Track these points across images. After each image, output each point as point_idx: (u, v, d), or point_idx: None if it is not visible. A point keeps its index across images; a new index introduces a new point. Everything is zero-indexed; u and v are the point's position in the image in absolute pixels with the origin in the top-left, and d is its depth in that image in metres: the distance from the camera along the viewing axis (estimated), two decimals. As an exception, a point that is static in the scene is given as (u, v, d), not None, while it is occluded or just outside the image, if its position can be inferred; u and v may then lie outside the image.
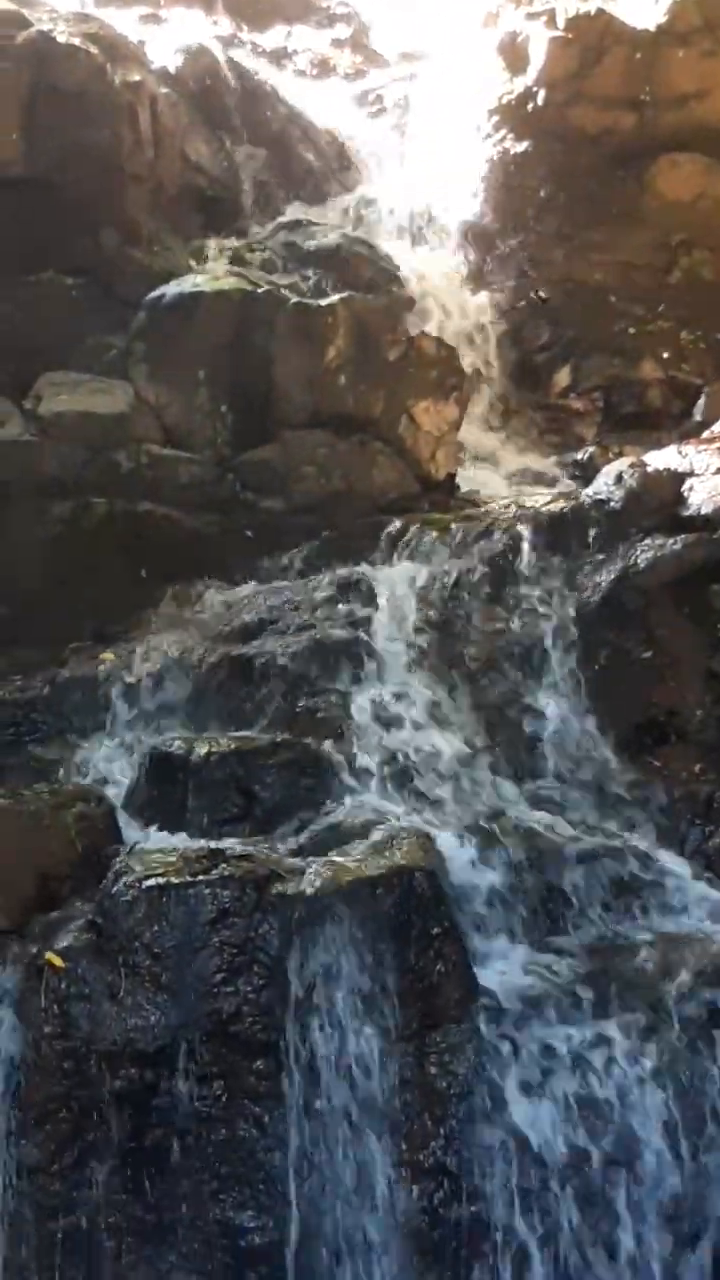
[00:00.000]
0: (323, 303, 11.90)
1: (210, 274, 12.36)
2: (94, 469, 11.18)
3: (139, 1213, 7.42)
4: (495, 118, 14.85)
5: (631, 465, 10.68)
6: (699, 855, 8.88)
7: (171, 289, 11.88)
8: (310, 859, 8.12)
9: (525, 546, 10.35)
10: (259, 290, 11.96)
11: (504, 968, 8.07)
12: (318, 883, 7.80)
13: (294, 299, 11.90)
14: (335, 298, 11.96)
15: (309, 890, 7.76)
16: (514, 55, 14.80)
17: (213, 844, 8.13)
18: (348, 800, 8.89)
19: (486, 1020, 7.76)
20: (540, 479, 12.42)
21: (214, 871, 7.79)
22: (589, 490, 10.78)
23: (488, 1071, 7.65)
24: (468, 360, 13.20)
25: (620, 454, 11.78)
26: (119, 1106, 7.47)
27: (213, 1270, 7.36)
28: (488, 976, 7.96)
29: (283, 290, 12.14)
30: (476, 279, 14.37)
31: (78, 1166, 7.46)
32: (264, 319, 11.72)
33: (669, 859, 8.78)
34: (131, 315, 11.91)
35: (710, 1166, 7.62)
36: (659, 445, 11.61)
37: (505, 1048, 7.73)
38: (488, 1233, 7.45)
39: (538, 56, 14.63)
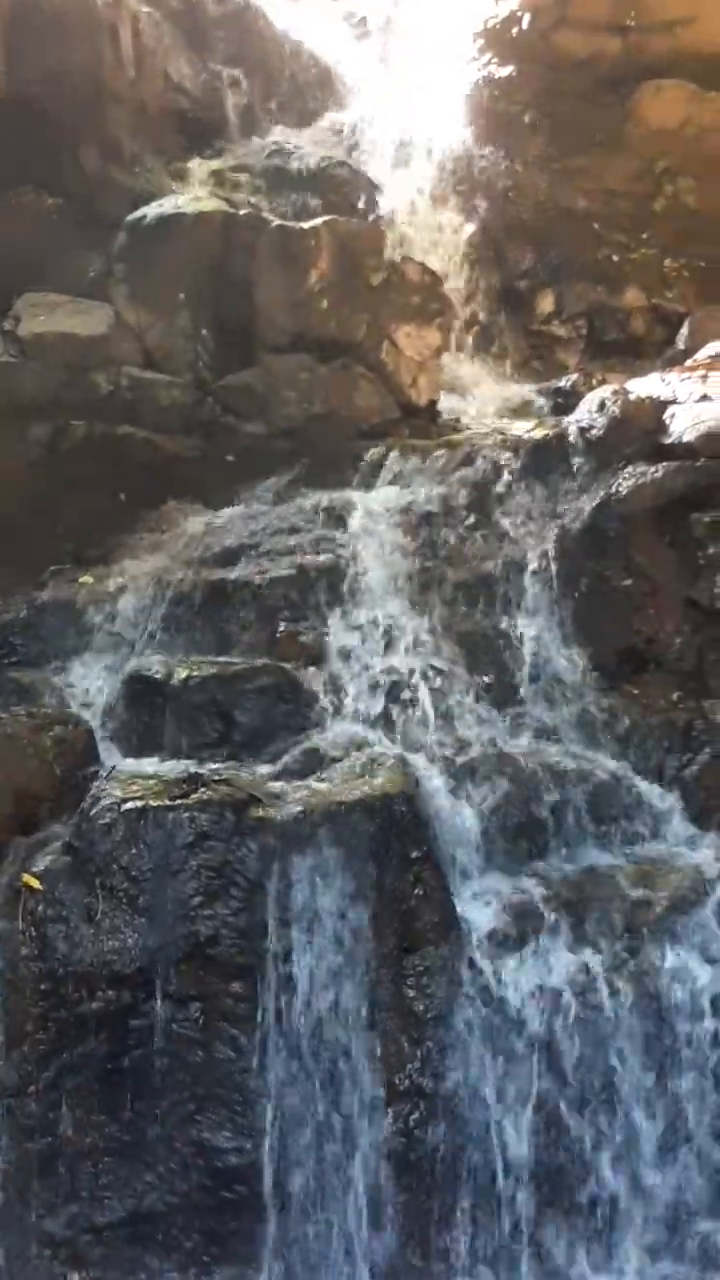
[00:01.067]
0: (305, 225, 11.81)
1: (192, 195, 12.27)
2: (73, 391, 11.11)
3: (116, 1133, 7.46)
4: (480, 41, 14.73)
5: (614, 393, 10.64)
6: (676, 783, 8.89)
7: (153, 210, 11.79)
8: (289, 784, 8.13)
9: (506, 473, 10.33)
10: (241, 212, 11.88)
11: (482, 893, 8.10)
12: (296, 807, 7.81)
13: (276, 221, 11.81)
14: (318, 220, 11.87)
15: (288, 815, 7.77)
16: (500, -23, 14.70)
17: (191, 768, 8.12)
18: (327, 725, 8.90)
19: (464, 944, 7.79)
20: (522, 406, 12.36)
21: (192, 795, 7.80)
22: (571, 418, 10.74)
23: (464, 994, 7.69)
24: (450, 286, 13.12)
25: (603, 381, 11.73)
26: (96, 1028, 7.50)
27: (189, 1190, 7.41)
28: (466, 901, 7.98)
29: (265, 213, 12.07)
30: (460, 203, 14.26)
31: (55, 1087, 7.48)
32: (245, 241, 11.63)
33: (646, 786, 8.79)
34: (112, 236, 11.81)
35: (682, 1090, 7.67)
36: (642, 373, 11.55)
37: (482, 971, 7.77)
38: (464, 1154, 7.50)
39: (523, -21, 14.52)
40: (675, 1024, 7.75)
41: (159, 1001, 7.52)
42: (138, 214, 11.77)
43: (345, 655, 9.35)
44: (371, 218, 12.89)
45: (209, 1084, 7.48)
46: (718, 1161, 7.61)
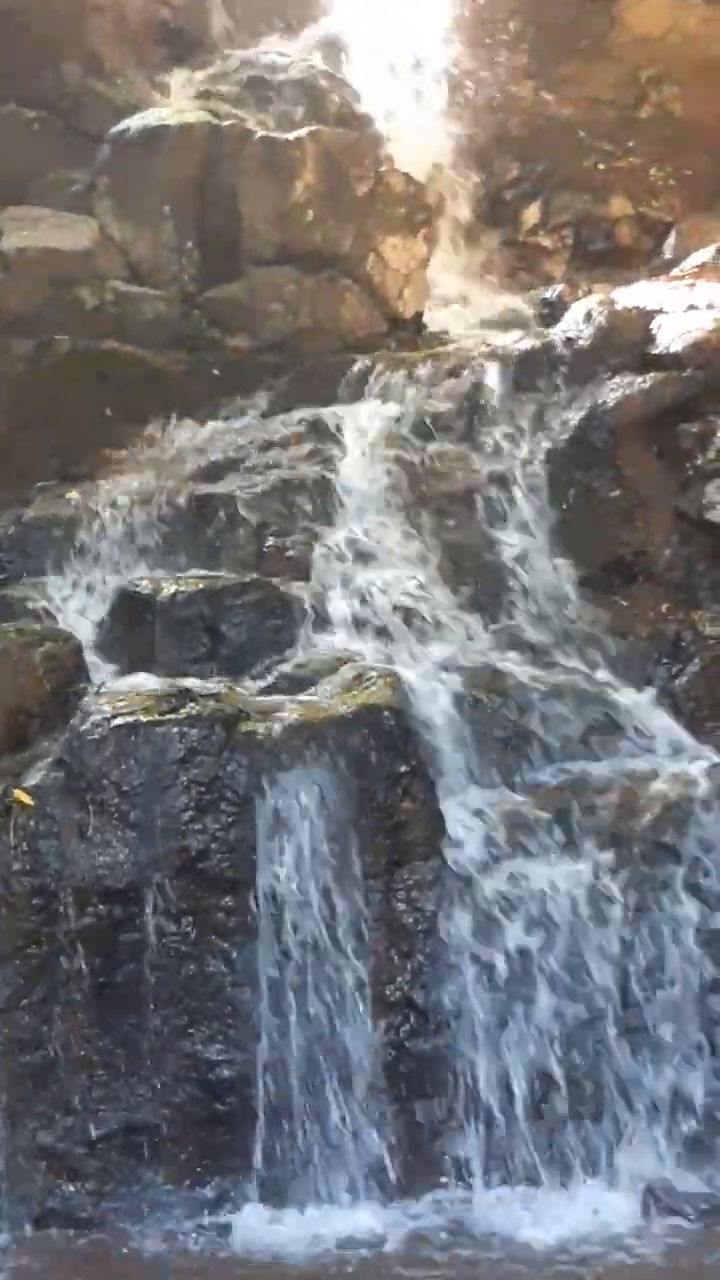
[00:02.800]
0: (290, 136, 11.72)
1: (175, 108, 12.17)
2: (57, 306, 11.05)
3: (108, 1047, 7.49)
4: (464, -51, 14.60)
5: (600, 303, 10.60)
6: (665, 694, 8.91)
7: (136, 122, 11.70)
8: (278, 698, 8.14)
9: (493, 385, 10.30)
10: (225, 124, 11.78)
11: (471, 805, 8.12)
12: (286, 722, 7.82)
13: (260, 132, 11.73)
14: (303, 131, 11.78)
15: (277, 729, 7.78)
16: None
17: (181, 683, 8.13)
18: (315, 640, 8.90)
19: (453, 857, 7.82)
20: (509, 317, 12.31)
21: (182, 710, 7.80)
22: (558, 328, 10.71)
23: (454, 907, 7.72)
24: (435, 197, 13.04)
25: (589, 292, 11.68)
26: (89, 943, 7.52)
27: (182, 1103, 7.45)
28: (455, 814, 8.00)
29: (249, 124, 11.97)
30: (446, 113, 14.16)
31: (47, 1001, 7.51)
32: (230, 153, 11.55)
33: (635, 698, 8.81)
34: (95, 149, 11.73)
35: (669, 1001, 7.72)
36: (628, 283, 11.53)
37: (472, 884, 7.80)
38: (454, 1066, 7.54)
39: None
40: (664, 934, 7.78)
41: (150, 916, 7.54)
42: (120, 127, 11.68)
43: (332, 570, 9.34)
44: (356, 128, 12.77)
45: (201, 998, 7.51)
46: (708, 1065, 7.65)
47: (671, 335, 10.10)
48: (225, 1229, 7.23)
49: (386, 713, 7.86)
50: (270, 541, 9.49)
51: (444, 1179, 7.47)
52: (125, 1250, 7.11)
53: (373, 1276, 6.80)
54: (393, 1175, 7.45)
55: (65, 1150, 7.41)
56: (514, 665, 8.77)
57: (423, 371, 10.63)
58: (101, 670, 8.74)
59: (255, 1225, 7.23)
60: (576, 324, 10.47)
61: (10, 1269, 6.87)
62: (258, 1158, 7.41)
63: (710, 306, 10.30)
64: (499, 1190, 7.43)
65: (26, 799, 7.68)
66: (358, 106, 13.25)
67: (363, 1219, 7.26)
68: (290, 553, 9.44)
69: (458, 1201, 7.36)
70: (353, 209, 11.71)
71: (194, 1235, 7.19)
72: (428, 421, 10.21)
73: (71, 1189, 7.38)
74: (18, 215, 11.42)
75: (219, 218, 11.54)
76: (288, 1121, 7.46)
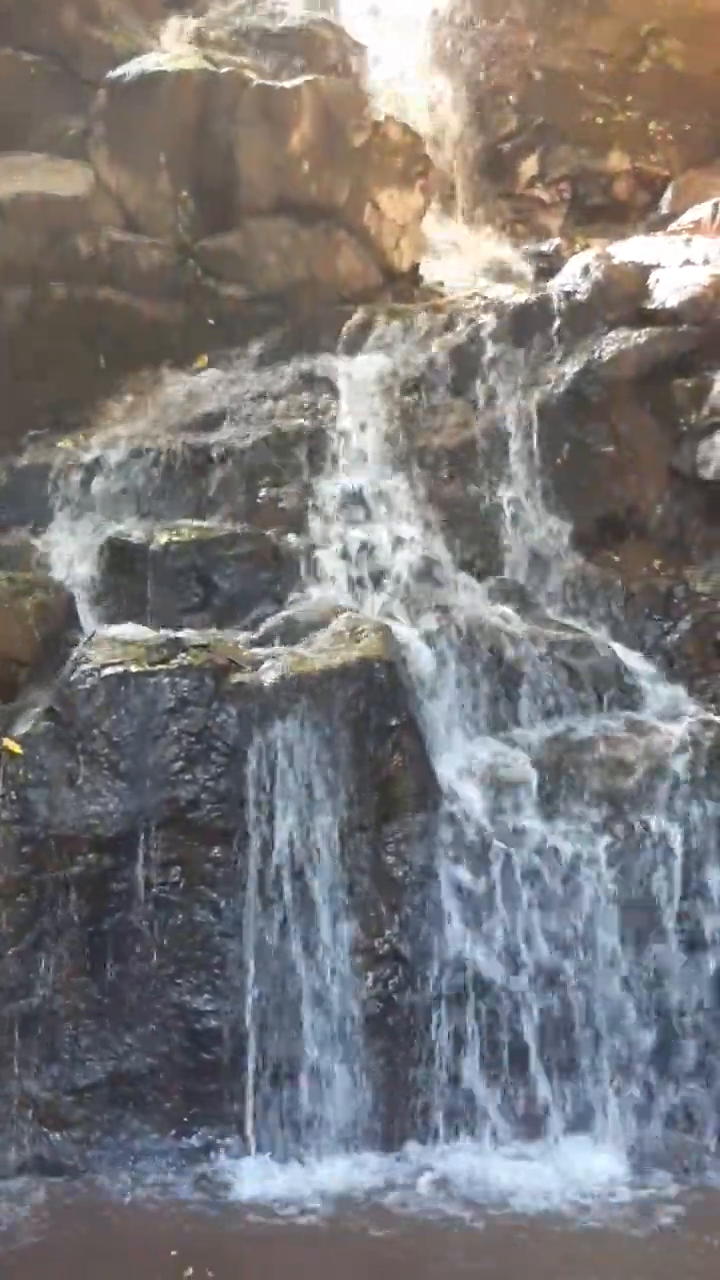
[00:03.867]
0: (287, 85, 11.63)
1: (172, 54, 12.07)
2: (53, 254, 10.97)
3: (96, 995, 7.51)
4: None
5: (597, 257, 10.57)
6: (656, 651, 8.92)
7: (132, 69, 11.59)
8: (270, 649, 8.14)
9: (489, 338, 10.25)
10: (221, 71, 11.68)
11: (461, 760, 8.12)
12: (276, 674, 7.82)
13: (257, 81, 11.62)
14: (300, 80, 11.69)
15: (268, 681, 7.78)
16: None
17: (172, 633, 8.12)
18: (308, 592, 8.89)
19: (443, 811, 7.83)
20: (505, 271, 12.26)
21: (173, 661, 7.80)
22: (554, 282, 10.67)
23: (443, 861, 7.73)
24: (433, 149, 12.97)
25: (586, 246, 11.64)
26: (77, 891, 7.53)
27: (169, 1052, 7.47)
28: (445, 768, 8.01)
29: (246, 72, 11.87)
30: (445, 65, 14.07)
31: (36, 949, 7.52)
32: (226, 101, 11.45)
33: (626, 654, 8.81)
34: (91, 96, 11.62)
35: (657, 956, 7.74)
36: (625, 237, 11.48)
37: (461, 839, 7.81)
38: (441, 1017, 7.56)
39: None
40: (651, 888, 7.80)
41: (140, 865, 7.55)
42: (117, 73, 11.57)
43: (326, 522, 9.33)
44: (354, 79, 12.69)
45: (189, 947, 7.53)
46: (693, 1024, 7.68)
47: (668, 290, 10.07)
48: (210, 1178, 7.26)
49: (378, 665, 7.86)
50: (264, 493, 9.48)
51: (428, 1131, 7.52)
52: (110, 1198, 7.13)
53: (355, 1226, 6.83)
54: (377, 1127, 7.49)
55: (52, 1099, 7.43)
56: (506, 620, 8.76)
57: (419, 324, 10.59)
58: (92, 620, 8.72)
59: (240, 1174, 7.27)
60: (573, 278, 10.43)
61: (-3, 1216, 6.91)
62: (244, 1108, 7.43)
63: (707, 262, 10.27)
64: (483, 1144, 7.47)
65: (15, 748, 7.68)
66: (356, 57, 13.16)
67: (348, 1170, 7.31)
68: (283, 504, 9.42)
69: (442, 1154, 7.40)
70: (349, 160, 11.63)
71: (179, 1184, 7.22)
72: (423, 374, 10.16)
73: (58, 1137, 7.40)
74: (13, 161, 11.32)
75: (215, 167, 11.46)
76: (274, 1072, 7.49)
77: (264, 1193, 7.12)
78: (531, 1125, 7.55)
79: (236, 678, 7.78)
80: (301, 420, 9.83)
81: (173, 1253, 6.47)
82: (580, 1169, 7.28)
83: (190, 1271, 6.27)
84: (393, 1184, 7.18)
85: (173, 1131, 7.42)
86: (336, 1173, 7.29)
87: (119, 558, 9.00)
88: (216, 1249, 6.58)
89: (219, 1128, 7.43)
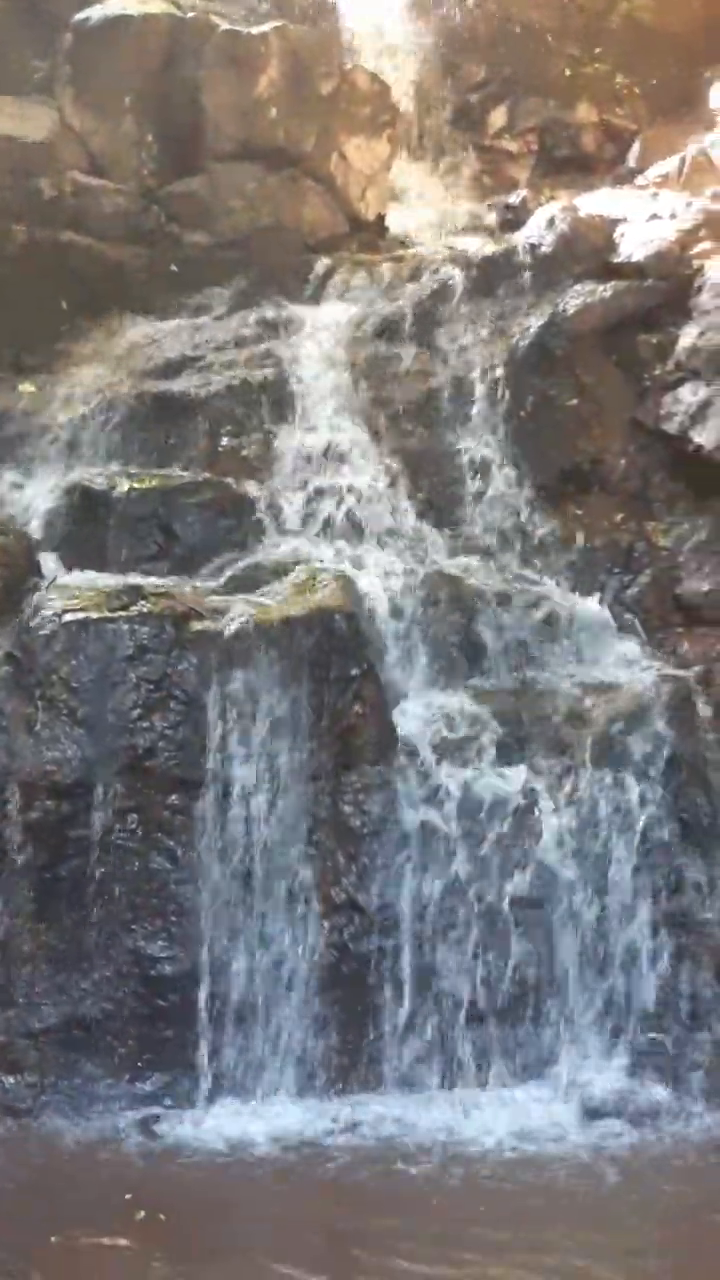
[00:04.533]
0: (254, 31, 11.56)
1: (139, -3, 12.01)
2: (15, 195, 10.89)
3: (53, 941, 7.51)
4: None
5: (564, 210, 10.55)
6: (616, 603, 8.94)
7: (98, 11, 11.50)
8: (230, 598, 8.13)
9: (454, 290, 10.23)
10: (188, 15, 11.62)
11: (421, 711, 8.13)
12: (237, 622, 7.81)
13: (224, 25, 11.56)
14: (268, 26, 11.63)
15: (228, 629, 7.77)
16: None
17: (132, 580, 8.10)
18: (269, 541, 8.88)
19: (402, 762, 7.84)
20: (471, 222, 12.21)
21: (133, 608, 7.79)
22: (520, 234, 10.64)
23: (401, 812, 7.75)
24: (401, 99, 12.91)
25: (553, 198, 11.60)
26: (35, 837, 7.53)
27: (125, 998, 7.48)
28: (405, 719, 8.02)
29: (213, 16, 11.80)
30: (416, 14, 13.99)
31: (-8, 895, 7.54)
32: (193, 46, 11.39)
33: (587, 607, 8.82)
34: (59, 37, 11.55)
35: (616, 907, 7.78)
36: (592, 190, 11.46)
37: (419, 789, 7.82)
38: (397, 965, 7.59)
39: None
40: (609, 839, 7.83)
41: (97, 812, 7.55)
42: (83, 15, 11.49)
43: (288, 471, 9.30)
44: (323, 27, 12.61)
45: (145, 894, 7.54)
46: (647, 972, 7.72)
47: (634, 244, 10.07)
48: (164, 1122, 7.28)
49: (338, 615, 7.86)
50: (226, 441, 9.45)
51: (383, 1079, 7.55)
52: (64, 1142, 7.14)
53: (306, 1170, 6.87)
54: (332, 1074, 7.52)
55: (6, 1042, 7.44)
56: (468, 571, 8.77)
57: (384, 274, 10.56)
58: (53, 566, 8.69)
59: (192, 1120, 7.30)
60: (539, 230, 10.41)
61: (-52, 1159, 6.93)
62: (198, 1054, 7.45)
63: (673, 216, 10.27)
64: (438, 1091, 7.51)
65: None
66: (324, 3, 13.08)
67: (301, 1116, 7.33)
68: (245, 453, 9.40)
69: (396, 1101, 7.43)
70: (317, 107, 11.58)
71: (133, 1128, 7.23)
72: (387, 325, 10.14)
73: (12, 1081, 7.41)
74: (-22, 103, 11.27)
75: (181, 111, 11.40)
76: (229, 1019, 7.51)
77: (217, 1137, 7.14)
78: (485, 1072, 7.58)
79: (196, 626, 7.77)
80: (265, 369, 9.79)
81: (126, 1195, 6.48)
82: (534, 1116, 7.32)
83: (142, 1214, 6.29)
84: (345, 1128, 7.21)
85: (127, 1076, 7.43)
86: (289, 1117, 7.32)
87: (80, 504, 8.96)
88: (169, 1192, 6.60)
89: (173, 1072, 7.45)
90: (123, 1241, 6.05)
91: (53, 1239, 6.06)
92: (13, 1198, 6.58)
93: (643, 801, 7.88)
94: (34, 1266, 5.74)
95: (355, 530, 9.01)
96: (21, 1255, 5.81)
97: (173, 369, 9.99)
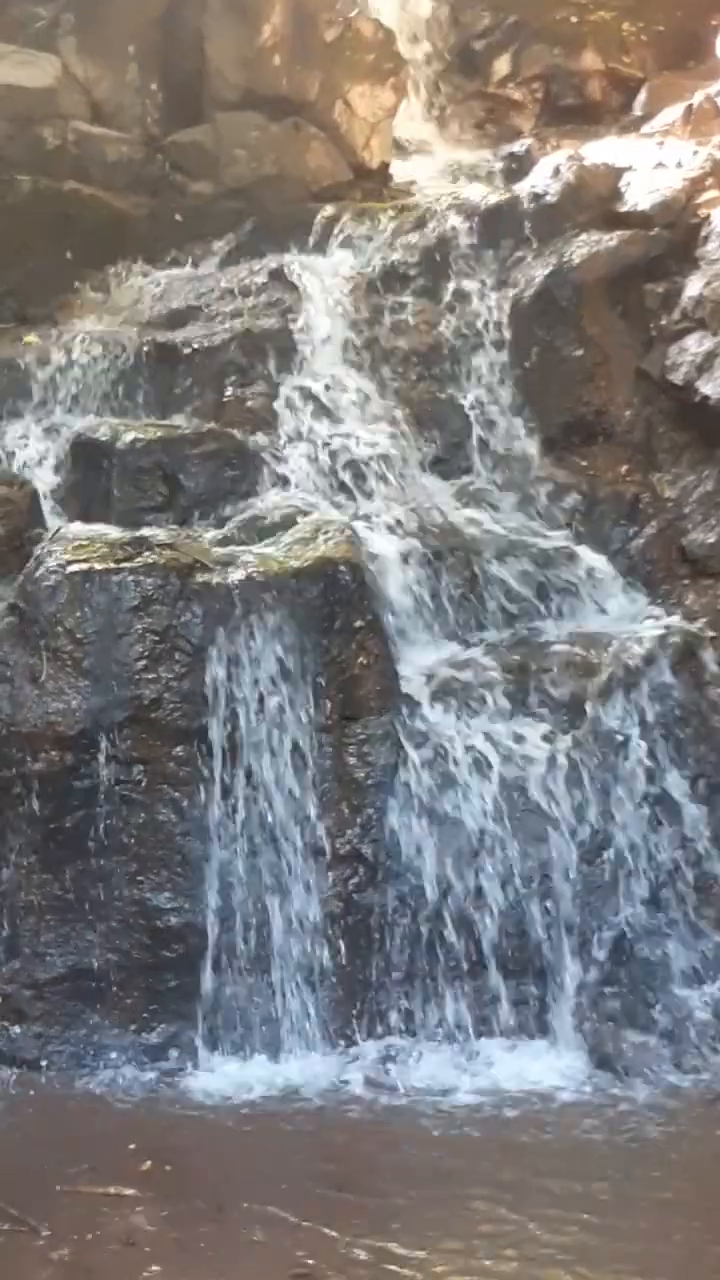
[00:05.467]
0: (258, -24, 11.52)
1: (142, -57, 11.93)
2: (18, 145, 10.85)
3: (58, 892, 7.53)
4: None
5: (569, 158, 10.49)
6: (621, 555, 8.94)
7: (101, -43, 11.47)
8: (235, 549, 8.12)
9: (459, 239, 10.19)
10: (192, -38, 11.57)
11: (425, 662, 8.14)
12: (241, 573, 7.81)
13: (228, -29, 11.52)
14: (271, -28, 11.58)
15: (232, 580, 7.77)
16: None
17: (137, 532, 8.09)
18: (273, 492, 8.87)
19: (406, 713, 7.85)
20: (476, 170, 12.16)
21: (138, 559, 7.78)
22: (525, 183, 10.60)
23: (405, 762, 7.76)
24: (405, 46, 12.83)
25: (558, 147, 11.52)
26: (40, 788, 7.54)
27: (130, 949, 7.50)
28: (409, 670, 8.02)
29: (217, -37, 11.75)
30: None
31: (-3, 845, 7.55)
32: (196, -8, 11.35)
33: (592, 558, 8.82)
34: (61, -16, 11.50)
35: (618, 860, 7.79)
36: (598, 139, 11.39)
37: (423, 740, 7.83)
38: (402, 918, 7.60)
39: None
40: (614, 792, 7.83)
41: (102, 763, 7.56)
42: (85, -40, 11.45)
43: (293, 422, 9.28)
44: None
45: (151, 845, 7.55)
46: (649, 924, 7.74)
47: (639, 193, 10.03)
48: (169, 1073, 7.32)
49: (343, 567, 7.85)
50: (230, 391, 9.42)
51: (387, 1031, 7.57)
52: (69, 1092, 7.18)
53: (312, 1124, 6.88)
54: (336, 1025, 7.54)
55: (12, 993, 7.46)
56: (472, 522, 8.76)
57: (388, 223, 10.51)
58: (56, 517, 8.68)
59: (199, 1070, 7.33)
60: (544, 179, 10.37)
61: (-45, 1109, 6.95)
62: (203, 1005, 7.48)
63: (679, 165, 10.21)
64: (441, 1044, 7.52)
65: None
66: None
67: (305, 1067, 7.36)
68: (250, 403, 9.37)
69: (400, 1054, 7.44)
70: (321, 55, 11.52)
71: (138, 1079, 7.27)
72: (392, 274, 10.10)
73: (17, 1031, 7.44)
74: (-20, 51, 11.20)
75: (184, 59, 11.35)
76: (234, 970, 7.53)
77: (221, 1088, 7.17)
78: (488, 1026, 7.60)
79: (201, 577, 7.76)
80: (269, 319, 9.75)
81: (130, 1146, 6.50)
82: (536, 1070, 7.33)
83: (148, 1164, 6.31)
84: (348, 1080, 7.22)
85: (132, 1027, 7.46)
86: (293, 1069, 7.34)
87: (84, 455, 8.95)
88: (174, 1143, 6.62)
89: (178, 1024, 7.47)
90: (129, 1191, 6.06)
91: (58, 1188, 6.08)
92: (18, 1148, 6.61)
93: (649, 754, 7.88)
94: (40, 1217, 5.75)
95: (360, 481, 9.00)
96: (27, 1206, 5.83)
97: (177, 319, 9.98)
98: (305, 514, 8.45)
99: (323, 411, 9.32)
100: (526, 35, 13.34)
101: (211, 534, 8.41)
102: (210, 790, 7.58)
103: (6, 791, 7.55)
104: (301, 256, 10.37)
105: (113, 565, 7.73)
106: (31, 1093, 7.17)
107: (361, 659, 7.79)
